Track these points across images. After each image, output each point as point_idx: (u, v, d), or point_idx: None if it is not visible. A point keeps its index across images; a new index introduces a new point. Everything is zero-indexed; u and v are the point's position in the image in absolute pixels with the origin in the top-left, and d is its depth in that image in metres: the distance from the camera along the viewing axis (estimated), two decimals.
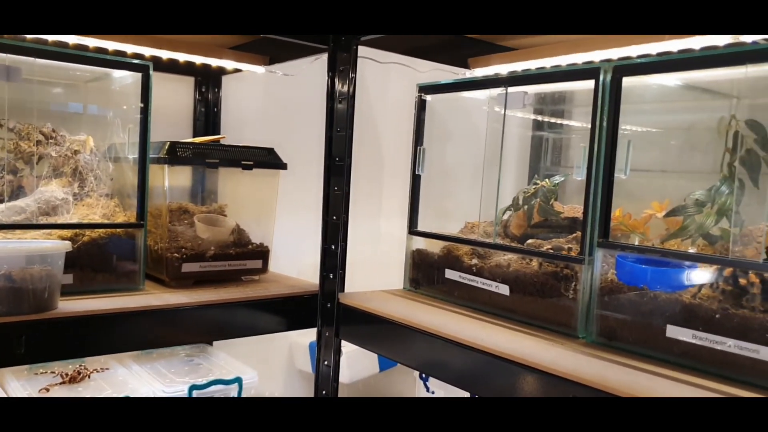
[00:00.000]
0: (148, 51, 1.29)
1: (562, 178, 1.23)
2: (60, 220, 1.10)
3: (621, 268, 0.91)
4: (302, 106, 1.62)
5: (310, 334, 1.72)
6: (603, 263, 0.94)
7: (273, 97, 1.74)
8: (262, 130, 1.69)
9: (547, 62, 1.25)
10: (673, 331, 0.82)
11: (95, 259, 1.10)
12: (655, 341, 0.84)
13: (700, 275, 0.84)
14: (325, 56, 1.22)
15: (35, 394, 1.22)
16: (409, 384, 1.69)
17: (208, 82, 1.69)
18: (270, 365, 1.84)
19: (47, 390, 1.25)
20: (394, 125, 1.83)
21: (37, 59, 1.06)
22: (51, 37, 1.20)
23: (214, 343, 1.73)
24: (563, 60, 1.21)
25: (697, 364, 0.79)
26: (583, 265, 0.93)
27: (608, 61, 1.07)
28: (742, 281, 0.79)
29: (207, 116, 1.69)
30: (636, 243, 0.97)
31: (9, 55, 1.02)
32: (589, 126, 0.93)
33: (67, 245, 0.98)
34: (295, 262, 1.46)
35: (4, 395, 1.20)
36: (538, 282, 0.99)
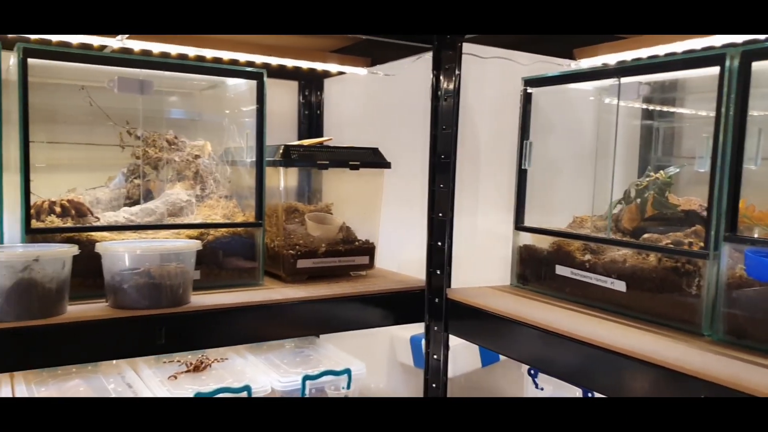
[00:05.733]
0: (258, 59, 1.37)
1: (677, 170, 1.18)
2: (186, 221, 1.19)
3: (751, 263, 0.86)
4: (403, 105, 1.64)
5: (410, 329, 1.74)
6: (729, 258, 0.89)
7: (374, 98, 1.77)
8: (364, 131, 1.73)
9: (660, 50, 1.20)
10: None
11: (219, 257, 1.18)
12: None
13: None
14: (426, 55, 1.24)
15: (165, 381, 1.32)
16: (516, 380, 1.68)
17: (311, 85, 1.75)
18: (373, 358, 1.88)
19: (175, 378, 1.35)
20: (491, 120, 1.82)
21: (164, 72, 1.15)
22: (172, 49, 1.28)
23: (320, 335, 1.80)
24: (678, 47, 1.16)
25: None
26: (708, 260, 0.89)
27: (732, 45, 1.01)
28: None
29: (310, 119, 1.76)
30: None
31: (141, 70, 1.11)
32: (705, 114, 0.88)
33: (198, 244, 1.06)
34: (399, 258, 1.49)
35: (141, 381, 1.31)
36: (658, 278, 0.96)
